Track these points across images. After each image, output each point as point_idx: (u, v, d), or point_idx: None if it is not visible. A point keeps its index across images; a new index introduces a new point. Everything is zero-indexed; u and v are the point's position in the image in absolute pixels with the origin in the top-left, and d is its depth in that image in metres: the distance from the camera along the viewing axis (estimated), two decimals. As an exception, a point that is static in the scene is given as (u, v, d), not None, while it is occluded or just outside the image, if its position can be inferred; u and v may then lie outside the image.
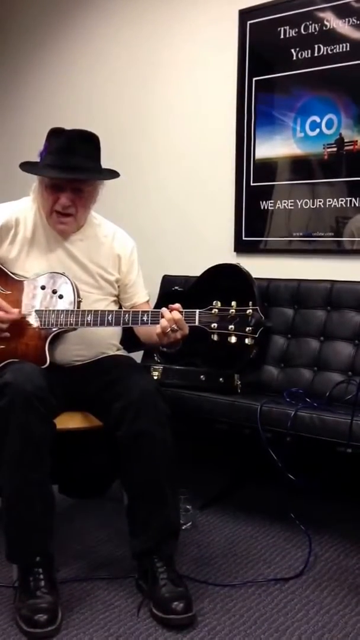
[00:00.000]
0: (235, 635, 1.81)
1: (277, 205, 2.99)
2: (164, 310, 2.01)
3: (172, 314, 1.99)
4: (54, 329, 2.10)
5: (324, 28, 2.80)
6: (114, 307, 2.31)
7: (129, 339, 2.38)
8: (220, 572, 2.16)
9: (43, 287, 2.15)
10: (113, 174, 2.20)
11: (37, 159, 2.20)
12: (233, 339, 1.96)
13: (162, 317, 2.00)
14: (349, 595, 2.03)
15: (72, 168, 2.09)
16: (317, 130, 2.85)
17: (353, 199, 2.77)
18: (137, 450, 1.97)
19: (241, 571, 2.17)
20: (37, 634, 1.79)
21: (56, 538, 2.00)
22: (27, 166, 2.18)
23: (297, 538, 2.38)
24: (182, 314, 1.99)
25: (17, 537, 1.92)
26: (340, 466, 2.49)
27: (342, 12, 2.75)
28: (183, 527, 2.36)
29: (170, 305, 2.01)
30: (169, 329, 1.98)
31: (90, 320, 2.07)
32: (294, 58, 2.89)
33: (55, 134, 2.14)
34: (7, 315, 2.07)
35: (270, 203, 3.01)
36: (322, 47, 2.81)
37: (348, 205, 2.79)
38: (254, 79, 3.01)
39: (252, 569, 2.19)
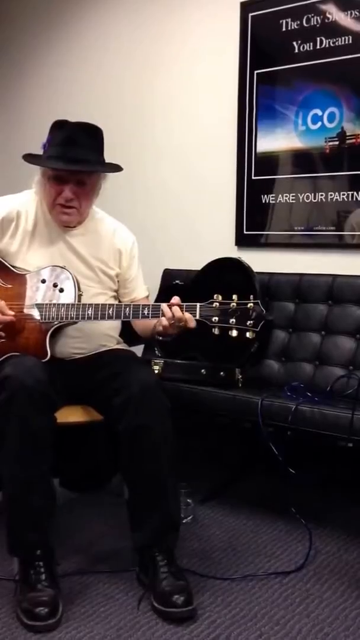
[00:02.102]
0: (235, 629, 1.82)
1: (279, 199, 2.98)
2: (163, 306, 2.01)
3: (173, 310, 1.99)
4: (54, 323, 2.09)
5: (326, 20, 2.79)
6: (114, 302, 2.31)
7: (127, 333, 2.37)
8: (220, 565, 2.17)
9: (44, 281, 2.14)
10: (116, 167, 2.20)
11: (40, 152, 2.19)
12: (234, 333, 1.95)
13: (163, 315, 2.00)
14: (350, 588, 2.04)
15: (75, 160, 2.08)
16: (319, 123, 2.84)
17: (354, 193, 2.76)
18: (138, 444, 1.97)
19: (242, 565, 2.18)
20: (38, 627, 1.79)
21: (57, 532, 2.01)
22: (30, 158, 2.18)
23: (298, 532, 2.38)
24: (182, 309, 1.99)
25: (18, 530, 1.93)
26: (340, 460, 2.49)
27: (344, 4, 2.73)
28: (183, 521, 2.36)
29: (175, 298, 2.01)
30: (172, 323, 1.99)
31: (91, 314, 2.07)
32: (296, 51, 2.88)
33: (59, 126, 2.14)
34: (2, 317, 2.07)
35: (272, 197, 3.00)
36: (324, 39, 2.80)
37: (349, 199, 2.78)
38: (256, 71, 3.00)
39: (252, 562, 2.19)
